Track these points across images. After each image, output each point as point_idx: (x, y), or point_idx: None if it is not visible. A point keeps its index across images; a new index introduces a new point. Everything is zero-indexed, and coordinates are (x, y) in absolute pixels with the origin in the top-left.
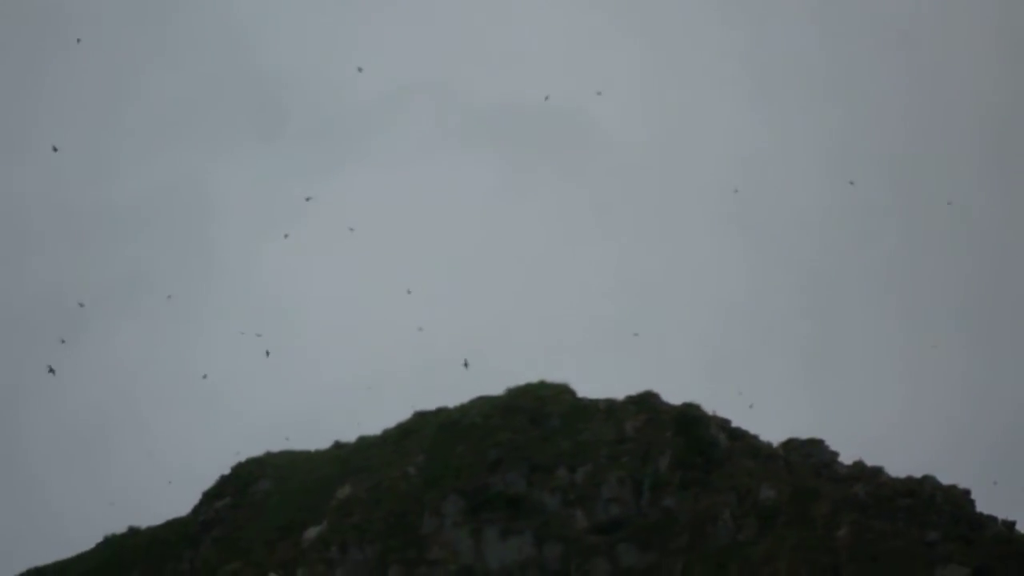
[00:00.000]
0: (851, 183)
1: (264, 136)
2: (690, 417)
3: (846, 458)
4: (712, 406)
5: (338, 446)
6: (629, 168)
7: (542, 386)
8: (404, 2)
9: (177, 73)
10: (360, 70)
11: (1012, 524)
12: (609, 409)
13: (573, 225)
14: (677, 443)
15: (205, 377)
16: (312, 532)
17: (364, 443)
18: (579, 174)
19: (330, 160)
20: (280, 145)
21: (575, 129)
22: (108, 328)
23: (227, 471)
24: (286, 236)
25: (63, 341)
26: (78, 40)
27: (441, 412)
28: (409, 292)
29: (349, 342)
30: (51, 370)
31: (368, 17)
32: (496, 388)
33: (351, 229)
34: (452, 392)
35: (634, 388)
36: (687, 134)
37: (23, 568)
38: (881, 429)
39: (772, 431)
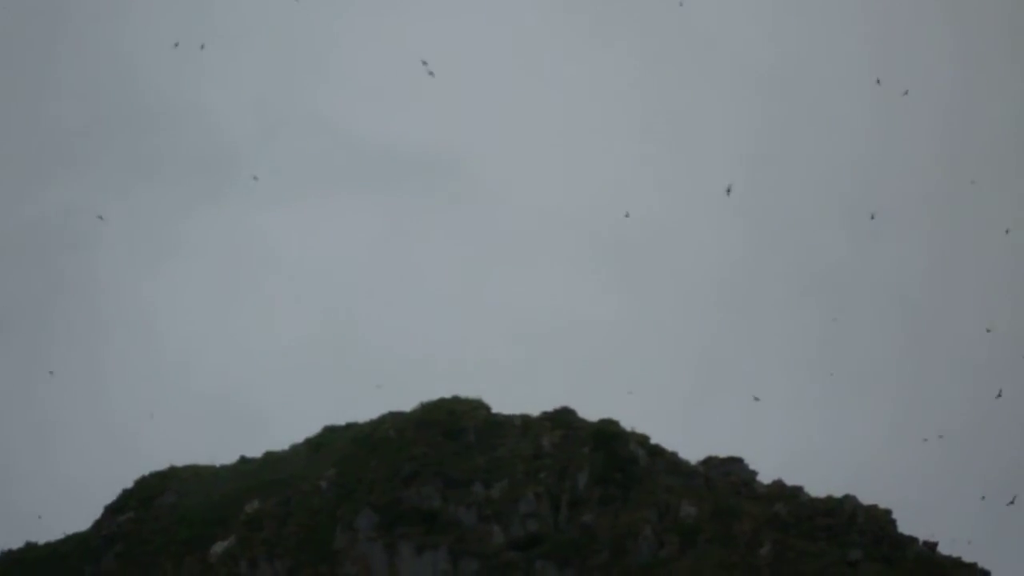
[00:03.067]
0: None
1: (146, 169)
2: (608, 433)
3: (764, 477)
4: (630, 422)
5: (244, 460)
6: (509, 208)
7: (456, 401)
8: (295, 41)
9: (60, 104)
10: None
11: (934, 545)
12: (525, 425)
13: (463, 262)
14: (595, 459)
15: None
16: (220, 547)
17: (272, 457)
18: (461, 215)
19: (216, 193)
20: (162, 178)
21: (457, 170)
22: None
23: (129, 485)
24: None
25: None
26: None
27: (352, 427)
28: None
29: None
30: None
31: (256, 54)
32: (405, 406)
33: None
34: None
35: (546, 407)
36: (566, 173)
37: None
38: (796, 448)
39: (691, 448)
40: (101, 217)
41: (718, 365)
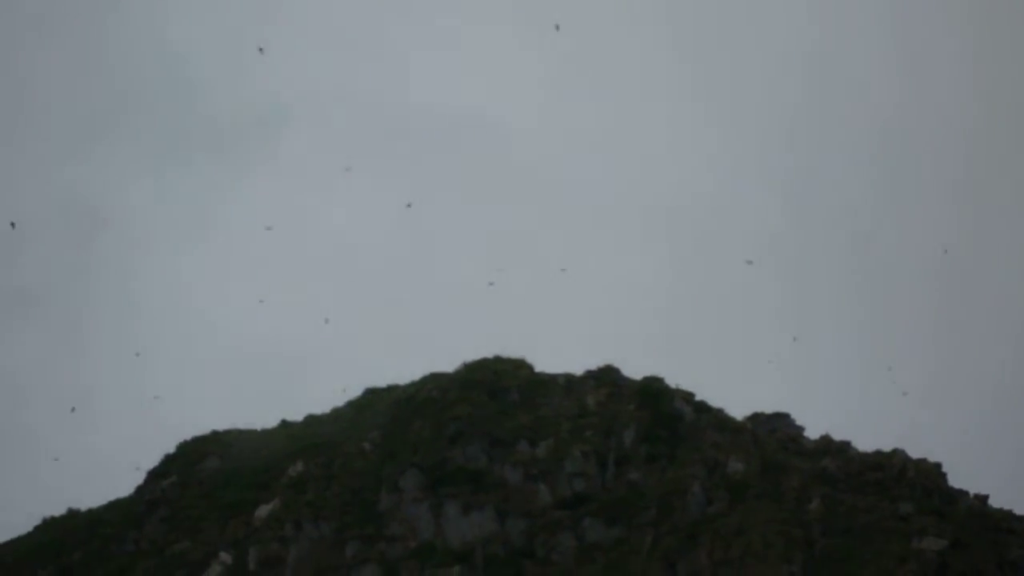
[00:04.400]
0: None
1: (167, 147)
2: (653, 390)
3: (811, 432)
4: (674, 380)
5: (286, 424)
6: (531, 172)
7: (498, 361)
8: (313, 13)
9: (77, 85)
10: (261, 50)
11: (985, 498)
12: (568, 383)
13: (501, 226)
14: (641, 417)
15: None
16: (264, 510)
17: (313, 421)
18: (483, 179)
19: (234, 170)
20: (183, 155)
21: (479, 135)
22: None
23: (172, 450)
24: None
25: None
26: None
27: (394, 389)
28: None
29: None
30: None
31: (275, 26)
32: (447, 367)
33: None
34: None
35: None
36: (589, 138)
37: None
38: (843, 406)
39: (737, 405)
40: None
41: (759, 325)
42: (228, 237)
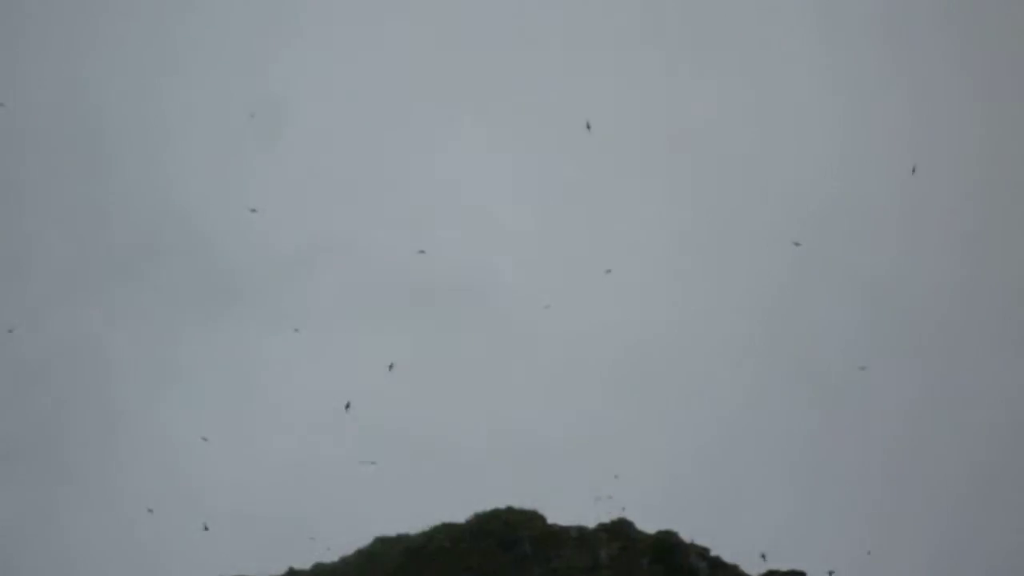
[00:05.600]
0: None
1: (166, 295)
2: (667, 545)
3: None
4: (687, 533)
5: (293, 573)
6: (532, 327)
7: (511, 512)
8: (316, 161)
9: (77, 226)
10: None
11: None
12: (581, 536)
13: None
14: (655, 571)
15: None
16: None
17: (321, 570)
18: (483, 334)
19: (232, 320)
20: (182, 304)
21: (479, 291)
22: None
23: None
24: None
25: None
26: None
27: (403, 538)
28: None
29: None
30: None
31: (276, 173)
32: (458, 517)
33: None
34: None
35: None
36: (586, 292)
37: None
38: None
39: (751, 561)
40: None
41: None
42: (230, 389)
